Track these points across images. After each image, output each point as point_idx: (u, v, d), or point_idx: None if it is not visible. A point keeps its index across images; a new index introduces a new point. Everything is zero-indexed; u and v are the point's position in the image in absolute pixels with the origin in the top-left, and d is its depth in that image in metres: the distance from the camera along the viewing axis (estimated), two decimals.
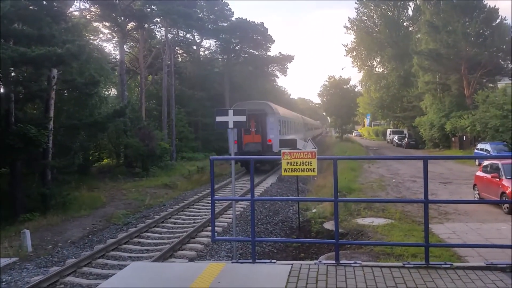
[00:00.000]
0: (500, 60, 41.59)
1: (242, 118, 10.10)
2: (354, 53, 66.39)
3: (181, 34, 52.28)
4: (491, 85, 44.47)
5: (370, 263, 6.18)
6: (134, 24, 38.03)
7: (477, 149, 28.45)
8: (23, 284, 9.72)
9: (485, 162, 16.00)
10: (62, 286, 9.66)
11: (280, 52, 73.01)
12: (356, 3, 63.79)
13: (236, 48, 58.23)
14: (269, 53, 62.70)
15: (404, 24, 62.26)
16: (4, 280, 10.13)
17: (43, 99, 20.06)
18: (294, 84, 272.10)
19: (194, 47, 57.81)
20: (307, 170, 6.09)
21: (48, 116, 19.69)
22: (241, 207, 17.16)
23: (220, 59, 60.51)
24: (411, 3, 60.08)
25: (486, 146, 27.31)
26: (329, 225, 12.86)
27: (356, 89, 74.09)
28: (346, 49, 66.78)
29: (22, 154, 17.57)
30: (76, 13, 31.35)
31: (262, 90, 66.98)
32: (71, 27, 22.30)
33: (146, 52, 41.12)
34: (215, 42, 58.13)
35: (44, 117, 19.73)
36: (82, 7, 33.25)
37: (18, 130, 17.08)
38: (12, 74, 18.62)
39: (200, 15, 49.75)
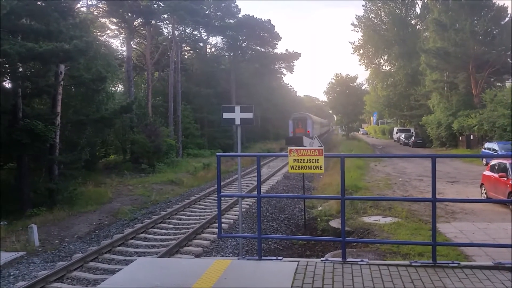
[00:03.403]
0: (508, 59, 41.21)
1: (249, 115, 10.08)
2: (361, 51, 66.11)
3: (188, 31, 52.34)
4: (499, 84, 44.17)
5: (377, 262, 6.16)
6: (141, 20, 38.12)
7: (485, 149, 28.26)
8: (30, 278, 9.78)
9: (493, 162, 15.89)
10: (69, 280, 9.72)
11: (286, 49, 72.87)
12: (363, 0, 63.56)
13: (243, 45, 58.12)
14: (275, 50, 62.59)
15: (412, 22, 61.87)
16: (11, 274, 10.21)
17: (50, 95, 20.13)
18: (300, 81, 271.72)
19: (201, 44, 57.82)
20: (314, 167, 6.07)
21: (55, 112, 19.77)
22: (247, 204, 17.18)
23: (227, 56, 60.46)
24: (419, 1, 59.81)
25: (494, 145, 27.10)
26: (335, 223, 12.84)
27: (363, 87, 73.85)
28: (353, 47, 66.57)
29: (29, 149, 17.65)
30: (84, 9, 31.55)
31: (269, 88, 66.91)
32: (79, 23, 22.35)
33: (153, 49, 41.18)
34: (221, 39, 58.16)
35: (51, 112, 19.81)
36: (90, 3, 33.48)
37: (26, 125, 17.17)
38: (20, 69, 18.70)
39: (207, 12, 49.76)
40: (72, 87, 24.41)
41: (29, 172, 18.84)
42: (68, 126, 22.10)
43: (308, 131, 46.06)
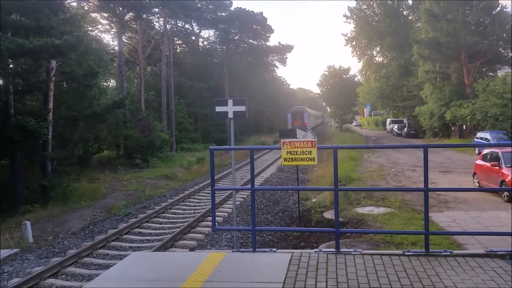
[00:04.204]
0: (500, 49, 41.34)
1: (242, 108, 10.07)
2: (354, 42, 65.96)
3: (179, 25, 52.03)
4: (491, 74, 44.26)
5: (370, 251, 6.20)
6: (132, 14, 37.82)
7: (477, 138, 28.43)
8: (24, 274, 9.77)
9: (485, 151, 15.99)
10: (64, 276, 9.71)
11: (279, 42, 72.81)
12: None
13: (235, 38, 57.88)
14: (268, 43, 62.27)
15: (404, 13, 61.79)
16: (5, 271, 10.18)
17: (42, 91, 19.99)
18: (293, 74, 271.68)
19: (193, 38, 57.51)
20: (307, 159, 6.09)
21: (47, 108, 19.65)
22: (241, 197, 17.20)
23: (219, 49, 60.22)
24: None
25: (486, 135, 27.27)
26: (329, 214, 12.90)
27: (355, 79, 73.83)
28: (346, 38, 66.39)
29: (22, 146, 17.56)
30: (74, 4, 31.28)
31: (262, 81, 66.81)
32: (69, 18, 22.14)
33: (144, 43, 40.91)
34: (214, 32, 57.85)
35: (43, 108, 19.69)
36: None
37: (18, 122, 17.06)
38: (11, 65, 18.55)
39: (198, 5, 49.47)
40: (64, 83, 24.24)
41: (22, 169, 18.75)
42: (61, 122, 21.99)
43: (305, 123, 50.78)
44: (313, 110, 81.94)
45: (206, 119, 49.83)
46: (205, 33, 59.76)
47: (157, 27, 47.40)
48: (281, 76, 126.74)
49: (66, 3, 23.90)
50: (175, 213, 15.57)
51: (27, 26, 17.11)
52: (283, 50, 64.67)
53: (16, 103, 18.54)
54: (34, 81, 18.43)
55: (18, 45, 15.66)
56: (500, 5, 40.28)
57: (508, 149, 13.96)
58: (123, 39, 39.16)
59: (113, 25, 38.80)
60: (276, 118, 73.14)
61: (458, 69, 42.33)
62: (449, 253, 5.68)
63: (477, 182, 15.77)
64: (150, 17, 43.82)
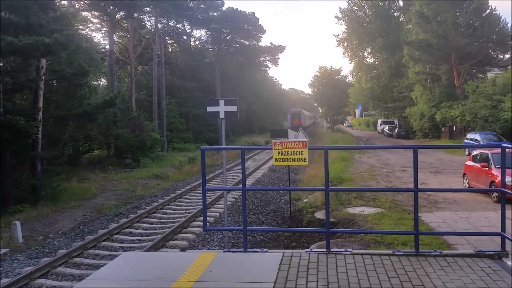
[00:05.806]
0: (490, 51, 41.77)
1: (233, 108, 10.08)
2: (345, 43, 66.24)
3: (171, 24, 51.83)
4: (481, 75, 44.67)
5: (361, 251, 6.23)
6: (123, 13, 37.61)
7: (467, 139, 28.67)
8: (14, 275, 9.68)
9: (475, 152, 16.14)
10: (54, 276, 9.63)
11: (271, 42, 72.63)
12: None
13: (227, 38, 57.80)
14: (260, 44, 62.28)
15: (395, 14, 62.16)
16: None
17: (31, 90, 19.79)
18: (285, 74, 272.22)
19: (185, 37, 57.31)
20: (298, 159, 6.10)
21: (37, 107, 19.45)
22: (233, 197, 17.19)
23: (211, 49, 60.07)
24: None
25: (476, 136, 27.52)
26: (320, 215, 12.94)
27: (347, 80, 74.11)
28: (337, 39, 66.67)
29: (11, 145, 17.36)
30: (65, 2, 31.01)
31: (253, 81, 66.82)
32: (60, 17, 21.94)
33: (136, 42, 40.70)
34: (205, 32, 57.68)
35: (33, 107, 19.49)
36: None
37: (7, 121, 16.87)
38: (0, 64, 18.36)
39: (190, 4, 49.35)
40: (54, 82, 24.01)
41: (11, 169, 18.53)
42: (50, 122, 21.78)
43: (302, 122, 60.96)
44: (308, 111, 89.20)
45: (197, 119, 49.70)
46: (197, 32, 59.71)
47: (148, 26, 47.22)
48: (273, 77, 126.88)
49: (56, 1, 23.66)
50: (166, 213, 15.52)
51: (16, 24, 16.94)
52: (275, 51, 64.73)
53: (6, 102, 18.32)
54: (24, 79, 18.24)
55: (8, 43, 15.51)
56: (490, 7, 40.71)
57: (498, 150, 14.07)
58: (114, 38, 38.90)
59: (104, 24, 38.57)
60: (268, 118, 73.33)
61: (448, 70, 42.68)
62: (438, 253, 5.72)
63: (467, 182, 15.91)
64: (141, 16, 43.60)
